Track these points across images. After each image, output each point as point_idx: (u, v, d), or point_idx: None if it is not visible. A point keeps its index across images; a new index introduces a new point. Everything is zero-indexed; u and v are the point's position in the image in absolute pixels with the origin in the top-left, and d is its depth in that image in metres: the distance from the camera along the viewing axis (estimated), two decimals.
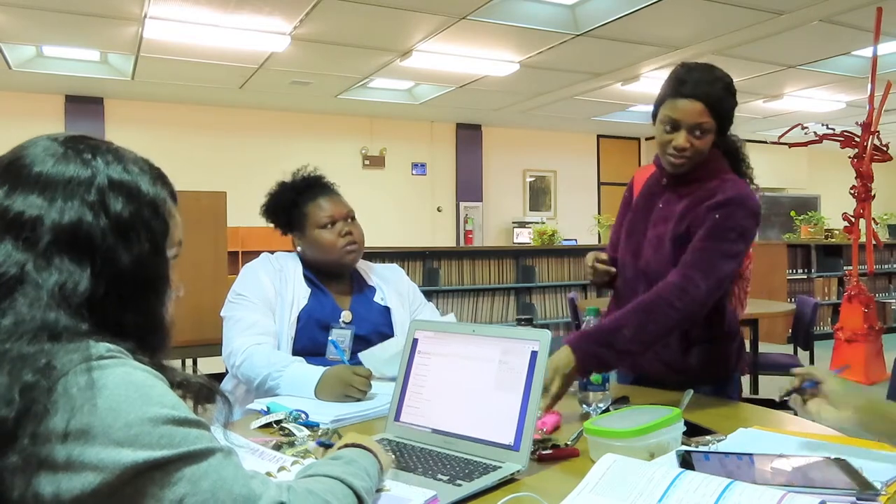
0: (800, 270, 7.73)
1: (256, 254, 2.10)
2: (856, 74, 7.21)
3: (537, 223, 9.60)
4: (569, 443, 1.28)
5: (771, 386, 3.25)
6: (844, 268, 7.86)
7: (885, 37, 5.50)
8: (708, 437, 1.29)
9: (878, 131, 5.51)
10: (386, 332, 2.00)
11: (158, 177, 0.87)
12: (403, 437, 1.31)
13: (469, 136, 10.59)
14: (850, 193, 5.71)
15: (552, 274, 6.67)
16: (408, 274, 2.23)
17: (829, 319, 7.67)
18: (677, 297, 1.54)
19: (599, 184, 11.78)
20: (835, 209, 7.56)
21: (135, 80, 7.45)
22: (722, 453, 1.16)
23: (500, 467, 1.14)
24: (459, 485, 1.07)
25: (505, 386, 1.24)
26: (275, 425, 1.43)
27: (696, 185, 1.70)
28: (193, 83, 7.66)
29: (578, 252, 6.91)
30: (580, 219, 10.47)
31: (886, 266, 8.35)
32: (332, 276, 2.04)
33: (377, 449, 1.02)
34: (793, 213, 8.51)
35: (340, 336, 1.93)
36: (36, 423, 0.67)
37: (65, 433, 0.67)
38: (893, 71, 6.56)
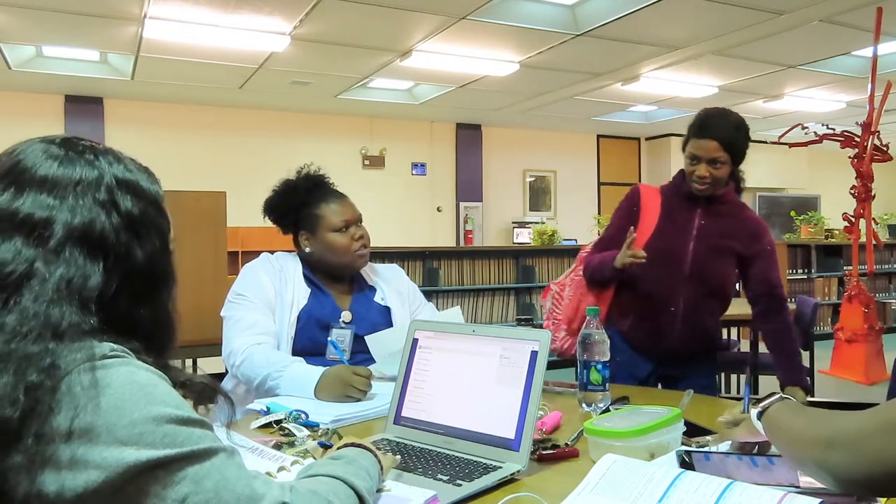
0: (800, 270, 7.73)
1: (256, 254, 2.10)
2: (856, 74, 7.21)
3: (537, 223, 9.60)
4: (569, 443, 1.28)
5: (771, 386, 3.25)
6: (844, 268, 7.87)
7: (885, 37, 5.50)
8: (708, 437, 1.29)
9: (878, 131, 5.51)
10: None
11: (151, 175, 0.89)
12: (403, 438, 1.31)
13: (469, 136, 10.59)
14: (851, 193, 5.71)
15: (552, 274, 6.66)
16: (408, 274, 2.23)
17: (830, 319, 7.67)
18: (790, 314, 2.23)
19: (599, 184, 11.78)
20: (835, 209, 7.57)
21: (134, 80, 7.45)
22: (722, 453, 1.16)
23: (500, 467, 1.14)
24: (459, 485, 1.07)
25: (505, 385, 1.24)
26: (275, 425, 1.43)
27: (726, 207, 2.20)
28: (193, 83, 7.66)
29: (578, 252, 6.90)
30: (580, 219, 10.46)
31: (886, 266, 8.35)
32: (333, 276, 2.04)
33: (376, 449, 1.02)
34: (793, 213, 8.51)
35: (340, 336, 1.93)
36: (40, 422, 0.67)
37: (69, 432, 0.67)
38: (893, 71, 6.56)
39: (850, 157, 5.70)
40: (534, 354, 1.23)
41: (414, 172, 10.33)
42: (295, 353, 1.88)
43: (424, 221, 10.30)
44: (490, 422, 1.22)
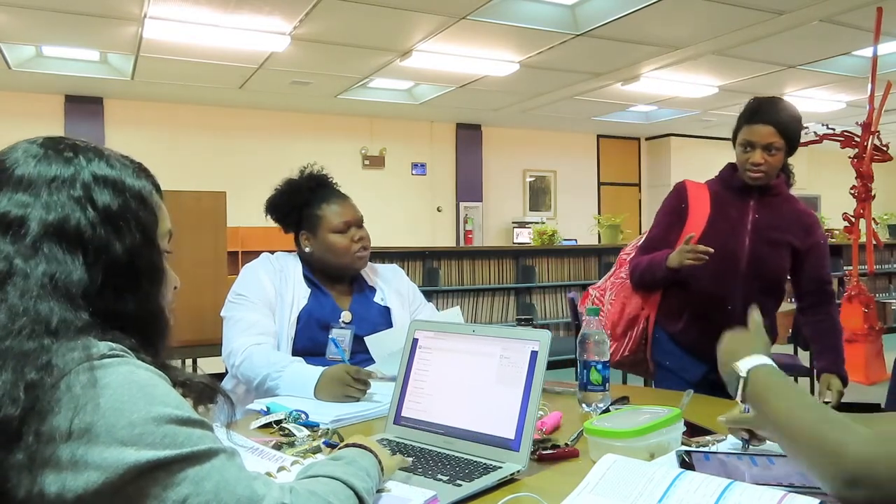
0: None
1: (256, 254, 2.10)
2: (856, 74, 7.21)
3: (537, 223, 9.60)
4: (569, 443, 1.28)
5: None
6: (844, 268, 7.86)
7: (885, 37, 5.50)
8: (708, 437, 1.29)
9: (878, 131, 5.51)
10: None
11: (141, 170, 0.88)
12: (403, 438, 1.31)
13: (469, 136, 10.59)
14: (850, 193, 5.71)
15: (552, 274, 6.67)
16: (408, 274, 2.23)
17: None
18: (837, 309, 2.24)
19: (599, 184, 11.78)
20: (835, 209, 7.56)
21: (134, 80, 7.45)
22: (722, 453, 1.16)
23: (500, 467, 1.14)
24: (459, 485, 1.07)
25: (505, 385, 1.24)
26: (275, 425, 1.43)
27: (779, 199, 2.15)
28: (193, 83, 7.66)
29: (578, 252, 6.91)
30: (580, 219, 10.46)
31: (886, 266, 8.34)
32: (333, 276, 2.04)
33: (378, 449, 1.02)
34: None
35: (340, 336, 1.93)
36: (40, 421, 0.67)
37: (69, 432, 0.67)
38: (893, 71, 6.56)
39: (850, 157, 5.70)
40: (534, 354, 1.23)
41: (414, 172, 10.34)
42: (295, 353, 1.88)
43: (424, 221, 10.31)
44: (490, 422, 1.22)
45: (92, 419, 0.68)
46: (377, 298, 2.08)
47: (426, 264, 6.08)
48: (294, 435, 1.36)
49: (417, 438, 1.30)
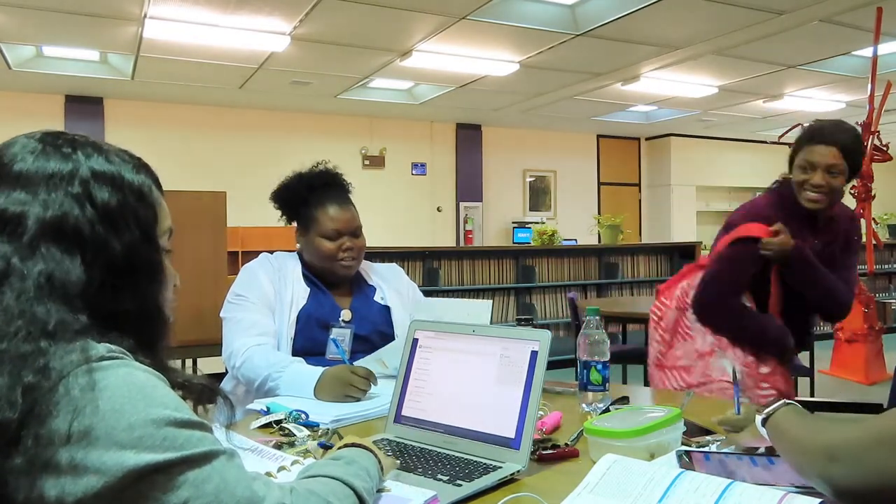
0: None
1: (256, 254, 2.10)
2: (856, 74, 7.21)
3: (537, 223, 9.60)
4: (569, 443, 1.28)
5: None
6: None
7: (885, 37, 5.50)
8: (708, 437, 1.29)
9: (878, 131, 5.51)
10: (386, 332, 2.00)
11: (141, 165, 0.87)
12: (403, 437, 1.31)
13: (469, 136, 10.59)
14: (850, 193, 5.70)
15: (552, 274, 6.67)
16: (408, 274, 2.23)
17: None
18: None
19: (599, 184, 11.78)
20: None
21: (135, 80, 7.45)
22: (722, 453, 1.16)
23: (500, 467, 1.14)
24: (459, 485, 1.07)
25: (505, 385, 1.24)
26: (275, 425, 1.43)
27: (838, 222, 2.10)
28: (193, 83, 7.66)
29: (578, 252, 6.91)
30: (580, 219, 10.46)
31: (886, 266, 8.34)
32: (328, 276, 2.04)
33: (377, 449, 1.02)
34: None
35: (340, 335, 1.93)
36: (39, 424, 0.66)
37: (68, 435, 0.66)
38: (893, 71, 6.56)
39: None
40: (534, 354, 1.23)
41: (414, 172, 10.34)
42: (295, 353, 1.88)
43: (424, 221, 10.31)
44: (490, 422, 1.22)
45: (91, 422, 0.67)
46: (377, 297, 2.07)
47: (426, 264, 6.08)
48: (294, 435, 1.36)
49: (417, 438, 1.30)
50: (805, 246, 2.01)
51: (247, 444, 1.21)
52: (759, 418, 1.07)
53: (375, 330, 1.98)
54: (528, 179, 11.18)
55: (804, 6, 5.30)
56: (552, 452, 1.23)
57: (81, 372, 0.69)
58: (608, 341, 1.60)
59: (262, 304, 1.92)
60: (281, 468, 1.11)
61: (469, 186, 10.56)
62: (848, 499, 0.84)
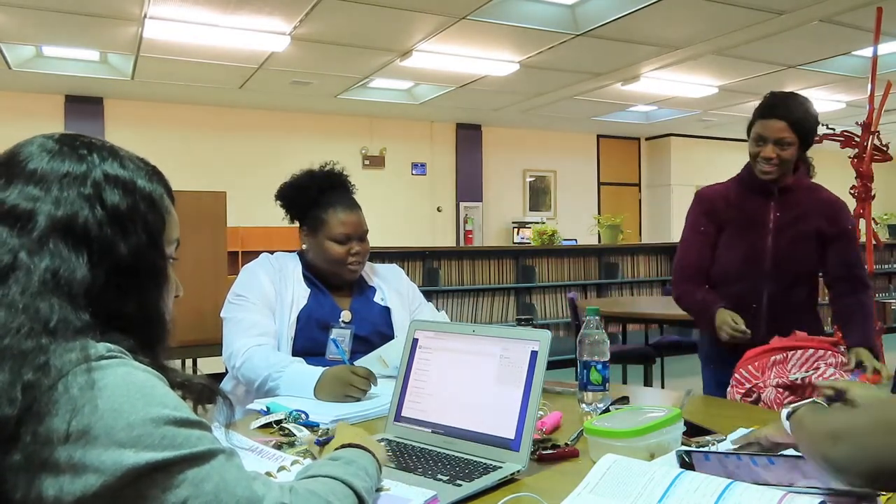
0: None
1: (256, 254, 2.10)
2: (856, 74, 7.21)
3: (537, 223, 9.60)
4: (569, 443, 1.28)
5: None
6: None
7: (885, 37, 5.50)
8: (708, 437, 1.29)
9: (878, 131, 5.50)
10: (386, 332, 2.00)
11: (154, 173, 0.87)
12: (403, 437, 1.31)
13: (469, 136, 10.59)
14: (850, 193, 5.70)
15: (552, 274, 6.67)
16: (408, 274, 2.23)
17: (829, 319, 7.65)
18: (871, 295, 2.22)
19: (599, 184, 11.78)
20: None
21: (135, 80, 7.45)
22: (722, 453, 1.16)
23: (500, 467, 1.14)
24: (459, 485, 1.07)
25: (505, 385, 1.24)
26: (275, 425, 1.43)
27: (802, 191, 2.16)
28: (193, 83, 7.66)
29: (578, 252, 6.91)
30: (580, 219, 10.46)
31: (886, 266, 8.34)
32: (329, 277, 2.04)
33: (375, 448, 1.02)
34: None
35: (340, 336, 1.93)
36: (38, 422, 0.66)
37: (66, 434, 0.66)
38: (893, 71, 6.56)
39: (850, 157, 5.69)
40: (534, 354, 1.23)
41: (414, 172, 10.34)
42: (295, 353, 1.88)
43: (424, 221, 10.31)
44: (490, 422, 1.22)
45: (90, 421, 0.67)
46: (377, 298, 2.07)
47: (426, 264, 6.08)
48: (294, 435, 1.36)
49: (417, 438, 1.30)
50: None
51: (247, 444, 1.21)
52: (784, 412, 1.08)
53: (375, 331, 1.98)
54: (528, 179, 11.18)
55: (804, 6, 5.30)
56: (552, 452, 1.23)
57: (81, 371, 0.69)
58: (608, 341, 1.59)
59: (263, 305, 1.91)
60: (281, 468, 1.11)
61: (469, 186, 10.57)
62: (851, 479, 0.88)
